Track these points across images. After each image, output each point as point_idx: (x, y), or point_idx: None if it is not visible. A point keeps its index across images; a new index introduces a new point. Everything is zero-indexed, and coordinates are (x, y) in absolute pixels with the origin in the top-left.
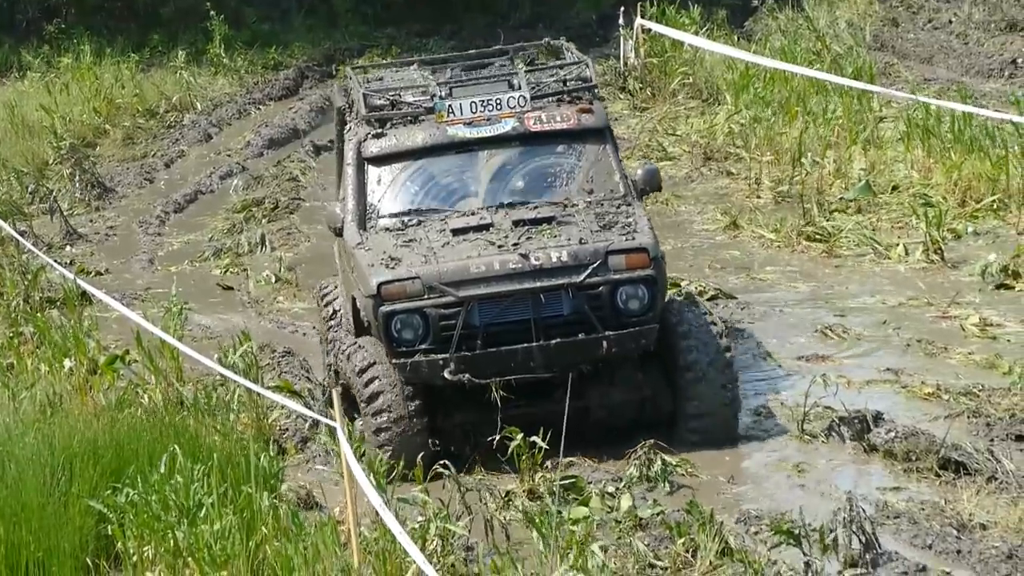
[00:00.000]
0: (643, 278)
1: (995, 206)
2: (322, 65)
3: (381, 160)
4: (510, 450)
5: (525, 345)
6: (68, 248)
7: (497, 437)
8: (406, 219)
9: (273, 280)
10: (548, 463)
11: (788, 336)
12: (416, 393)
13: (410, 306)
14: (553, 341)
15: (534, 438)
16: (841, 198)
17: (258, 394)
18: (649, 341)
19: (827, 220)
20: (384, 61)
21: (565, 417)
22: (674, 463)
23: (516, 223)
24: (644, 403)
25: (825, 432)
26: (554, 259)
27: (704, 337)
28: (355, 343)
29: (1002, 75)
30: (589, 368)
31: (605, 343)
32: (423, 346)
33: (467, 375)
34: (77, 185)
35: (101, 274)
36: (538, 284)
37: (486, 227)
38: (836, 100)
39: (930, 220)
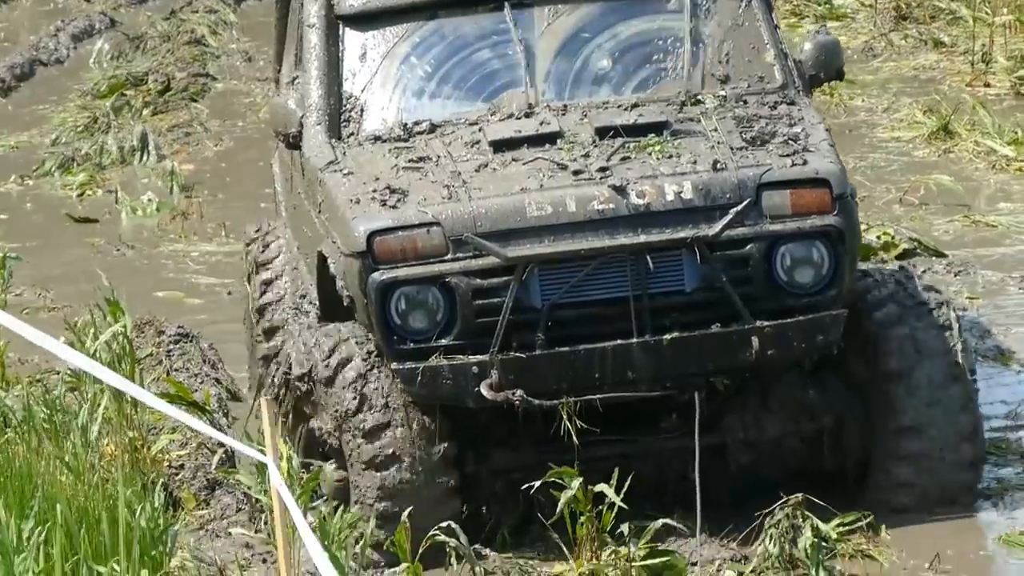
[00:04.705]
0: (822, 230)
1: None
2: None
3: (367, 19)
4: (558, 509)
5: (620, 342)
6: None
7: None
8: (413, 123)
9: (156, 208)
10: (626, 528)
11: None
12: (439, 425)
13: (424, 273)
14: (667, 336)
15: (601, 486)
16: None
17: (135, 404)
18: (831, 338)
19: None
20: None
21: (696, 461)
22: (836, 535)
23: (601, 132)
24: (819, 441)
25: None
26: (669, 196)
27: (931, 340)
28: (326, 333)
29: None
30: (728, 382)
31: (756, 340)
32: (445, 341)
33: (520, 392)
34: None
35: None
36: (642, 239)
37: (550, 138)
38: None
39: None
